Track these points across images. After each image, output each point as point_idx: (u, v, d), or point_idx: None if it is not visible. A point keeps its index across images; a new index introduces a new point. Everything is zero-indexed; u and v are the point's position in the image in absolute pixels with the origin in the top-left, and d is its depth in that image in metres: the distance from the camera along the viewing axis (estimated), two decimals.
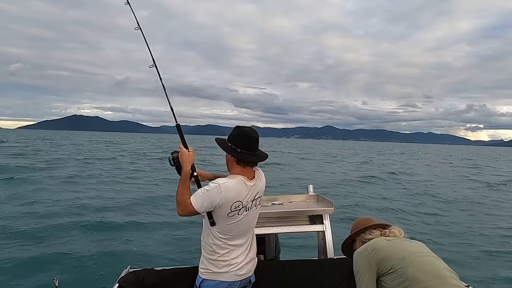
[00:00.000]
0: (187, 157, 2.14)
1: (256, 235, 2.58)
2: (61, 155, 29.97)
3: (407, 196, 14.61)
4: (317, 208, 2.96)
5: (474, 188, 18.16)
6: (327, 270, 2.60)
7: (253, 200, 2.13)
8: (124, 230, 8.06)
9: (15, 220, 8.58)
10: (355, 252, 2.12)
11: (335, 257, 2.82)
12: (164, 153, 37.19)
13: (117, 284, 2.32)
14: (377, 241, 2.05)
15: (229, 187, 2.01)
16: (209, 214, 2.07)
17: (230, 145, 2.08)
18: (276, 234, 3.21)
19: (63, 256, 6.40)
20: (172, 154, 2.21)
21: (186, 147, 2.17)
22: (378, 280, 1.93)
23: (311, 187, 3.42)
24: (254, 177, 2.13)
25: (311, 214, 2.96)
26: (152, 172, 19.94)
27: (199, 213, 2.07)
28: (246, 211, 2.10)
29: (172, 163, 2.20)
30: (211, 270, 2.12)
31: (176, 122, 2.31)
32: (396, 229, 2.20)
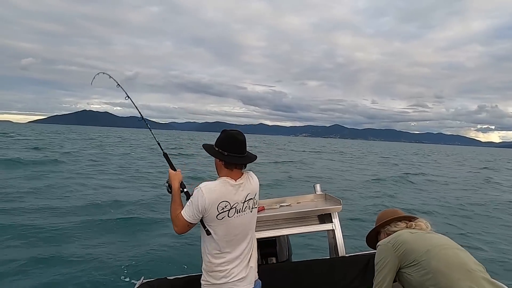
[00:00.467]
0: (174, 175, 2.24)
1: (266, 238, 2.70)
2: (90, 151, 30.49)
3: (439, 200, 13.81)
4: (325, 207, 2.95)
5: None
6: (339, 268, 2.64)
7: (244, 201, 2.12)
8: (138, 237, 7.91)
9: (31, 215, 8.56)
10: (378, 244, 2.05)
11: (346, 255, 2.83)
12: (179, 150, 37.50)
13: None
14: (401, 234, 1.99)
15: (211, 188, 2.05)
16: (202, 223, 2.09)
17: (217, 149, 2.11)
18: (286, 235, 3.16)
19: (75, 266, 6.25)
20: (166, 182, 2.27)
21: (174, 169, 2.29)
22: (400, 272, 1.90)
23: (318, 187, 3.41)
24: (240, 177, 2.13)
25: (319, 214, 2.96)
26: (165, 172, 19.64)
27: (192, 224, 2.09)
28: (237, 213, 2.10)
29: (169, 190, 2.24)
30: (210, 282, 2.13)
31: (163, 151, 2.49)
32: (422, 222, 2.13)
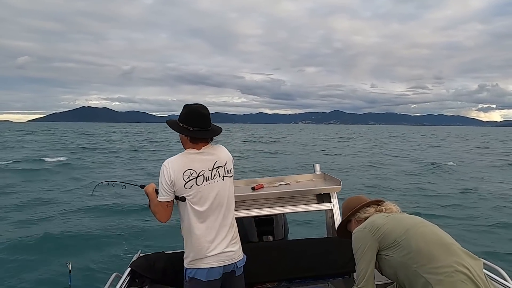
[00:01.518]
0: (147, 188, 2.22)
1: (264, 216, 2.71)
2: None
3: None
4: (324, 187, 2.97)
5: None
6: (336, 247, 2.63)
7: (212, 168, 2.12)
8: (134, 214, 8.31)
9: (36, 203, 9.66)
10: (354, 231, 1.98)
11: None
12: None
13: (129, 269, 2.40)
14: (375, 219, 1.94)
15: (172, 160, 2.09)
16: (176, 197, 2.10)
17: (181, 125, 2.10)
18: (284, 214, 3.22)
19: (74, 241, 6.63)
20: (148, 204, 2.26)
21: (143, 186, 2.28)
22: (378, 255, 1.86)
23: (317, 166, 3.42)
24: (204, 146, 2.14)
25: (318, 193, 2.98)
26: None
27: (169, 202, 2.10)
28: (206, 180, 2.10)
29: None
30: (190, 257, 2.11)
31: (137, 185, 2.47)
32: (391, 205, 2.09)
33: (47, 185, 13.30)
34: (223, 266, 2.11)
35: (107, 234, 7.10)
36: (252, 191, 2.92)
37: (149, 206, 2.20)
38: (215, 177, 2.13)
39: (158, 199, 2.10)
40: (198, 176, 2.08)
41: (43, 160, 20.63)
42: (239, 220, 2.95)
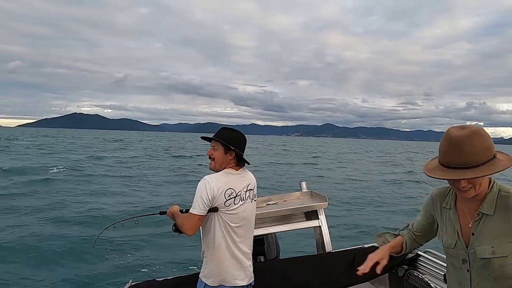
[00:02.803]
0: (170, 210, 2.29)
1: (254, 236, 2.63)
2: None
3: None
4: (311, 204, 3.00)
5: None
6: (327, 264, 2.70)
7: (246, 190, 2.21)
8: (124, 243, 7.83)
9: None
10: None
11: (333, 251, 2.91)
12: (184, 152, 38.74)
13: None
14: None
15: (215, 176, 2.14)
16: (210, 209, 2.11)
17: (233, 148, 2.17)
18: (274, 233, 3.23)
19: (63, 271, 6.32)
20: (172, 225, 2.29)
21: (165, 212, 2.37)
22: None
23: (304, 184, 3.43)
24: (240, 169, 2.24)
25: (306, 211, 3.01)
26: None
27: (203, 216, 2.11)
28: (241, 201, 2.16)
29: (174, 228, 2.28)
30: (213, 273, 2.14)
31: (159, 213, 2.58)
32: None
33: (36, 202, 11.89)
34: (244, 285, 2.19)
35: (97, 264, 6.79)
36: None
37: (173, 226, 2.25)
38: (248, 199, 2.22)
39: (192, 211, 2.08)
40: (236, 195, 2.16)
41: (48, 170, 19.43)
42: None
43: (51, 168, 20.09)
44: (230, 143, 2.18)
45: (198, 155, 33.94)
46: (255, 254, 3.04)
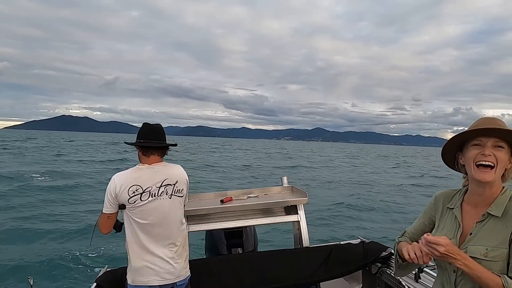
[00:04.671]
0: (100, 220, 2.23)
1: (233, 228, 2.68)
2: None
3: None
4: (291, 199, 3.01)
5: None
6: (303, 258, 2.73)
7: (160, 186, 2.13)
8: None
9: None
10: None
11: (310, 246, 2.94)
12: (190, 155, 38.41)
13: (95, 284, 2.35)
14: None
15: (122, 174, 2.14)
16: (120, 207, 2.14)
17: (137, 140, 2.19)
18: (253, 226, 3.24)
19: (39, 258, 6.40)
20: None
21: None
22: None
23: (285, 179, 3.45)
24: (157, 163, 2.18)
25: (286, 205, 3.03)
26: None
27: (112, 214, 2.15)
28: (152, 197, 2.11)
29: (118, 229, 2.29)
30: (131, 272, 2.13)
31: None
32: None
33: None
34: (162, 285, 2.12)
35: (72, 250, 6.91)
36: (221, 204, 2.95)
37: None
38: (161, 195, 2.14)
39: (103, 210, 2.15)
40: (143, 192, 2.11)
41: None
42: (208, 233, 3.18)
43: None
44: (136, 139, 2.18)
45: (185, 160, 33.60)
46: (233, 246, 3.09)
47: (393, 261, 2.52)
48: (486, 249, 1.35)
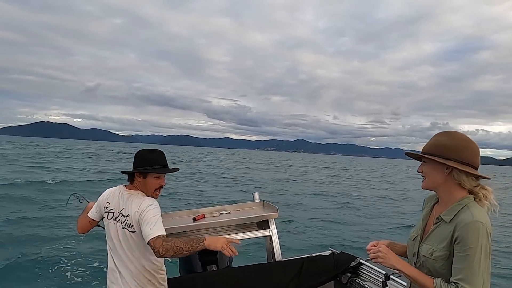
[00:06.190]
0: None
1: None
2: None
3: None
4: (263, 214, 3.09)
5: None
6: (276, 272, 2.81)
7: (119, 213, 2.13)
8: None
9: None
10: (479, 219, 1.43)
11: (282, 259, 3.00)
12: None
13: None
14: (488, 219, 1.48)
15: (111, 188, 2.26)
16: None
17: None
18: None
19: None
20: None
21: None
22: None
23: (256, 195, 3.50)
24: (130, 190, 2.19)
25: (258, 221, 3.09)
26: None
27: (93, 220, 2.29)
28: (113, 219, 2.14)
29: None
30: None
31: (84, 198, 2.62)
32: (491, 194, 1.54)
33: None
34: None
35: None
36: (193, 222, 2.97)
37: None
38: (118, 221, 2.14)
39: (88, 213, 2.28)
40: (109, 211, 2.17)
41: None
42: None
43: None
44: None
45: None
46: (208, 263, 3.03)
47: (362, 271, 2.82)
48: (433, 249, 1.52)
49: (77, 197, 2.61)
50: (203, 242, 1.91)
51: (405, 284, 2.29)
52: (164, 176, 2.22)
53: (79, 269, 6.55)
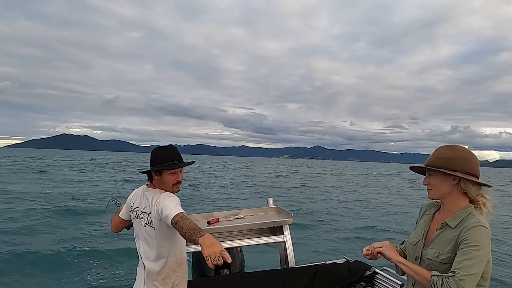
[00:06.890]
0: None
1: None
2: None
3: None
4: (277, 220, 3.07)
5: None
6: (289, 278, 2.78)
7: (142, 211, 2.18)
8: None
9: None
10: (483, 223, 1.55)
11: (296, 266, 2.97)
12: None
13: None
14: (488, 226, 1.58)
15: (136, 189, 2.35)
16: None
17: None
18: (240, 247, 3.19)
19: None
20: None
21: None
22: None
23: (271, 200, 3.49)
24: (151, 188, 2.22)
25: (272, 226, 3.07)
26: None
27: (124, 220, 2.39)
28: (137, 218, 2.20)
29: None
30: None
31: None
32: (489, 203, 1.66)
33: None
34: None
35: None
36: (208, 225, 2.96)
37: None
38: (141, 219, 2.19)
39: (120, 213, 2.41)
40: (134, 210, 2.25)
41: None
42: (195, 255, 3.15)
43: None
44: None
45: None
46: (220, 267, 2.98)
47: (377, 280, 2.82)
48: (439, 252, 1.63)
49: (114, 202, 2.69)
50: (199, 238, 1.77)
51: None
52: (181, 171, 2.21)
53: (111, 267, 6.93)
